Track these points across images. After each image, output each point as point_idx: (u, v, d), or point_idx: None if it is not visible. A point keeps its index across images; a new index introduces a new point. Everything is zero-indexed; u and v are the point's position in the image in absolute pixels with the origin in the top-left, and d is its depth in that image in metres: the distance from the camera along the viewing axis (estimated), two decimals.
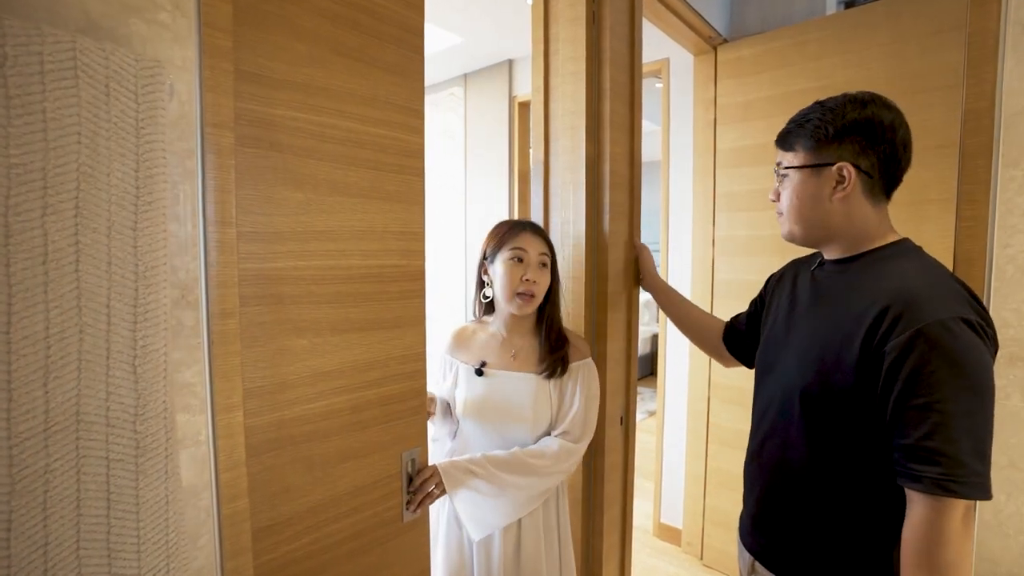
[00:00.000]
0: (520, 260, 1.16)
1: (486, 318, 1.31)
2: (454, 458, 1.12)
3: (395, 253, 0.96)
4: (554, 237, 1.47)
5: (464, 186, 3.48)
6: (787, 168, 0.92)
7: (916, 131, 1.70)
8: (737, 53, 2.15)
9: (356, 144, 0.90)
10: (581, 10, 1.38)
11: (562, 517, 1.26)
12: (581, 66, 1.39)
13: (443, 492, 1.06)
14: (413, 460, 1.00)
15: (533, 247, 1.17)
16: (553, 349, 1.20)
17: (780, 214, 0.96)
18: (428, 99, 3.70)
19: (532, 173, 1.55)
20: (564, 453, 1.16)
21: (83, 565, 0.55)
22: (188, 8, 0.69)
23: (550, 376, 1.19)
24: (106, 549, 0.56)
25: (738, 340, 1.22)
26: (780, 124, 2.09)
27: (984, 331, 0.77)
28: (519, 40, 2.92)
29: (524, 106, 3.19)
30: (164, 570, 0.60)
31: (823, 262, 0.98)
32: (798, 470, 0.91)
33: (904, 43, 1.73)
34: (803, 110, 0.93)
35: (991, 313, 0.99)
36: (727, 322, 1.26)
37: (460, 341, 1.30)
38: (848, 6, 2.02)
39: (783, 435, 0.93)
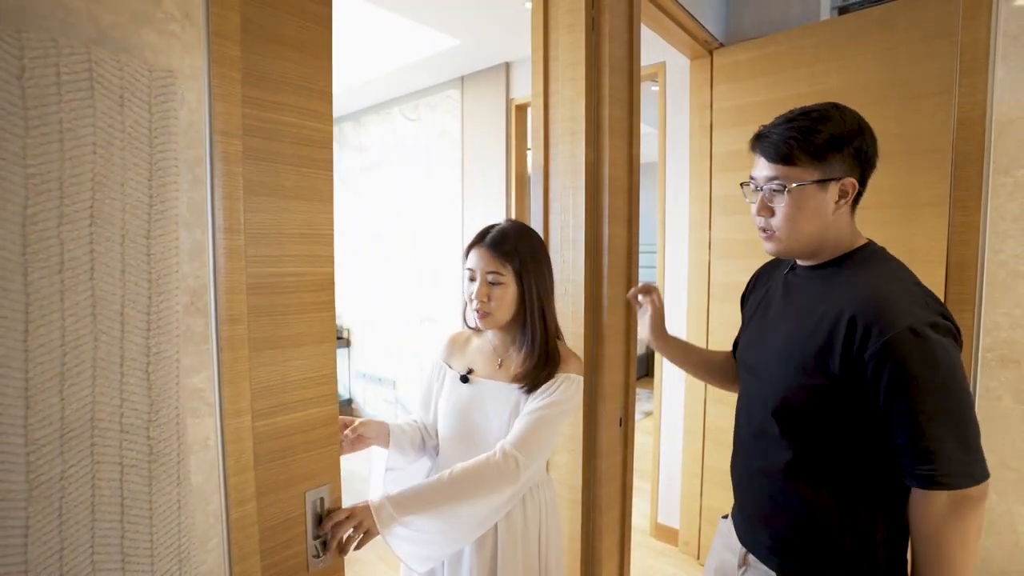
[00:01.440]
0: (472, 279, 1.13)
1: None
2: (390, 491, 1.00)
3: (294, 259, 0.84)
4: (554, 240, 1.49)
5: (461, 188, 3.49)
6: (796, 185, 0.87)
7: (908, 136, 1.74)
8: (733, 58, 2.18)
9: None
10: (580, 17, 1.40)
11: (545, 515, 1.18)
12: (580, 72, 1.40)
13: (369, 535, 0.92)
14: (321, 500, 0.87)
15: (481, 265, 1.11)
16: (536, 365, 1.11)
17: (768, 231, 0.93)
18: (425, 101, 3.71)
19: (532, 177, 1.57)
20: (502, 462, 1.02)
21: (97, 570, 0.56)
22: (197, 18, 0.70)
23: (530, 391, 1.10)
24: (120, 554, 0.57)
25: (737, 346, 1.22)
26: None
27: (948, 329, 0.82)
28: (516, 43, 2.93)
29: (521, 109, 3.20)
30: (176, 574, 0.61)
31: (795, 267, 1.01)
32: (784, 468, 0.94)
33: (897, 50, 1.76)
34: (790, 122, 0.90)
35: (983, 317, 1.01)
36: (733, 351, 1.24)
37: (454, 346, 1.27)
38: (842, 12, 2.05)
39: (770, 435, 0.96)
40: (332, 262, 0.90)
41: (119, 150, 0.56)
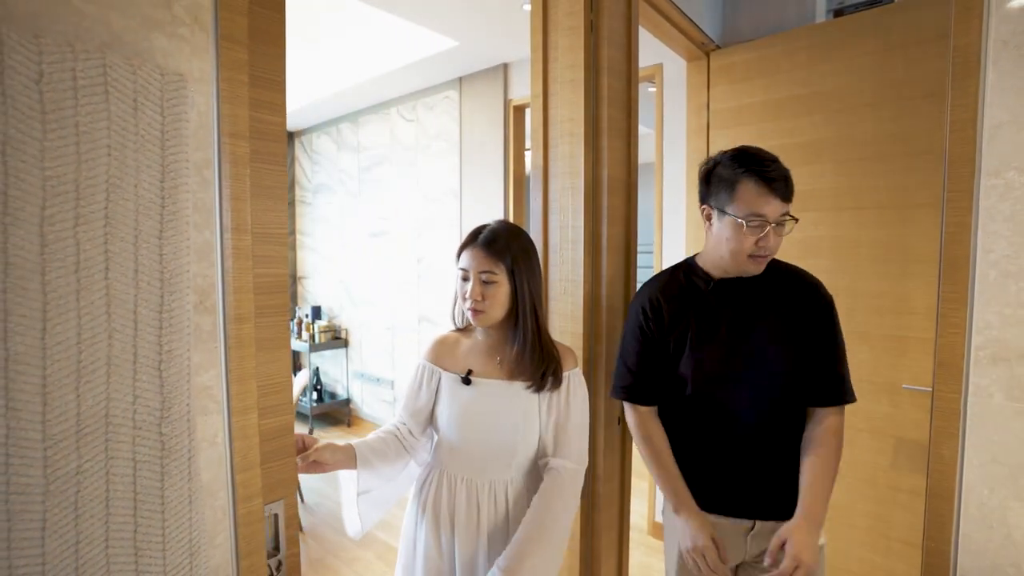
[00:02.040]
0: (465, 279, 1.14)
1: (468, 327, 1.25)
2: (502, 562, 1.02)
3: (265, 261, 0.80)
4: (553, 240, 1.50)
5: (459, 189, 3.50)
6: (790, 218, 1.10)
7: (903, 137, 1.76)
8: (729, 59, 2.20)
9: None
10: (579, 19, 1.41)
11: (515, 513, 1.18)
12: (579, 74, 1.42)
13: None
14: (276, 516, 0.84)
15: (474, 265, 1.13)
16: (532, 360, 1.14)
17: (767, 257, 1.13)
18: (423, 102, 3.72)
19: (531, 178, 1.58)
20: (571, 480, 1.12)
21: (111, 563, 0.57)
22: (206, 22, 0.71)
23: (538, 390, 1.13)
24: (133, 548, 0.58)
25: (653, 388, 1.25)
26: (771, 129, 2.13)
27: None
28: (514, 44, 2.95)
29: (519, 109, 3.22)
30: (187, 567, 0.62)
31: (718, 283, 1.19)
32: (786, 434, 1.16)
33: (891, 52, 1.78)
34: (778, 163, 1.10)
35: (975, 315, 1.04)
36: (651, 402, 1.26)
37: (443, 348, 1.23)
38: (837, 15, 2.07)
39: (775, 414, 1.15)
40: (285, 263, 0.84)
41: (133, 152, 0.57)
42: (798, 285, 1.18)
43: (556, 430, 1.15)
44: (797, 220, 1.10)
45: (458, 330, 1.26)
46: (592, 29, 1.43)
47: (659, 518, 2.72)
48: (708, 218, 1.17)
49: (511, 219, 3.26)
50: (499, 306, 1.13)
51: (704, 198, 1.17)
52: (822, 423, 1.12)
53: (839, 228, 1.91)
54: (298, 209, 5.04)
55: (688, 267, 1.26)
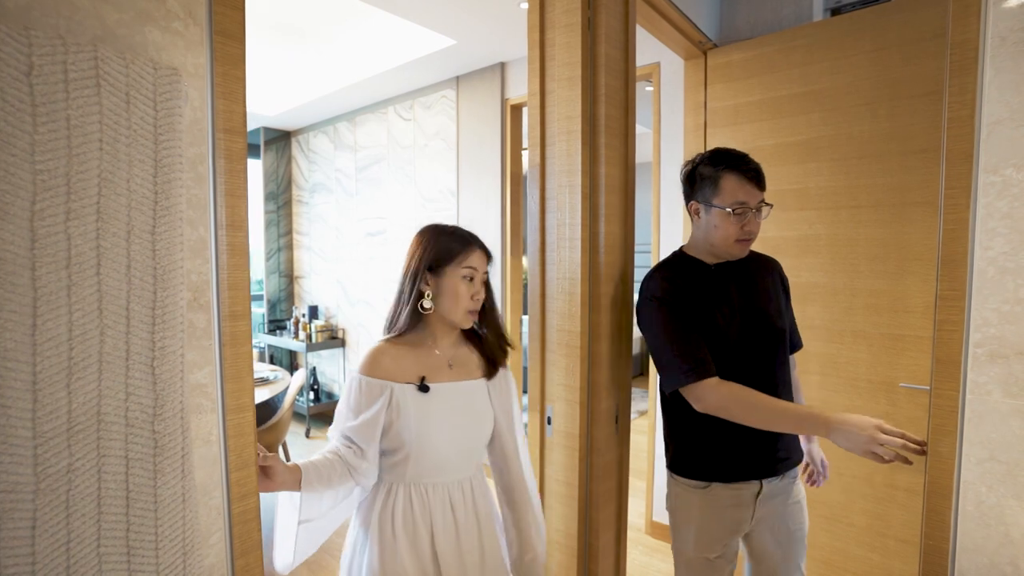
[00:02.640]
0: (471, 279, 1.15)
1: (406, 333, 1.17)
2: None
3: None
4: (550, 239, 1.50)
5: (456, 188, 3.49)
6: (765, 203, 1.29)
7: (901, 135, 1.77)
8: (726, 58, 2.20)
9: None
10: (577, 17, 1.41)
11: (480, 504, 1.21)
12: (577, 72, 1.42)
13: None
14: None
15: (482, 266, 1.17)
16: (496, 349, 1.23)
17: (751, 240, 1.30)
18: (420, 101, 3.71)
19: (528, 176, 1.58)
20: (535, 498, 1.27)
21: (103, 562, 0.56)
22: (200, 16, 0.70)
23: (490, 377, 1.22)
24: (125, 547, 0.58)
25: (709, 358, 1.29)
26: (768, 128, 2.13)
27: None
28: (511, 43, 2.94)
29: (516, 108, 3.21)
30: (181, 566, 0.62)
31: (716, 267, 1.36)
32: (786, 385, 1.39)
33: (888, 50, 1.78)
34: (750, 157, 1.28)
35: (973, 313, 1.04)
36: (713, 370, 1.26)
37: (385, 361, 1.13)
38: (834, 13, 2.07)
39: (780, 368, 1.36)
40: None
41: (125, 147, 0.56)
42: (768, 261, 1.46)
43: (504, 418, 1.23)
44: (771, 205, 1.29)
45: (390, 339, 1.17)
46: (590, 27, 1.43)
47: (657, 518, 2.72)
48: (696, 213, 1.34)
49: (508, 218, 3.26)
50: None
51: (689, 197, 1.35)
52: (795, 367, 1.51)
53: (836, 227, 1.91)
54: (295, 208, 5.03)
55: (681, 257, 1.40)
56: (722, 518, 1.32)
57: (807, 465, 1.49)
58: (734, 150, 1.29)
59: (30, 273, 0.50)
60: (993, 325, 1.00)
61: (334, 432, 1.14)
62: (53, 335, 0.51)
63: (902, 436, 1.04)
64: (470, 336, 1.25)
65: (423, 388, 1.12)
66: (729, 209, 1.24)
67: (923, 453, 1.05)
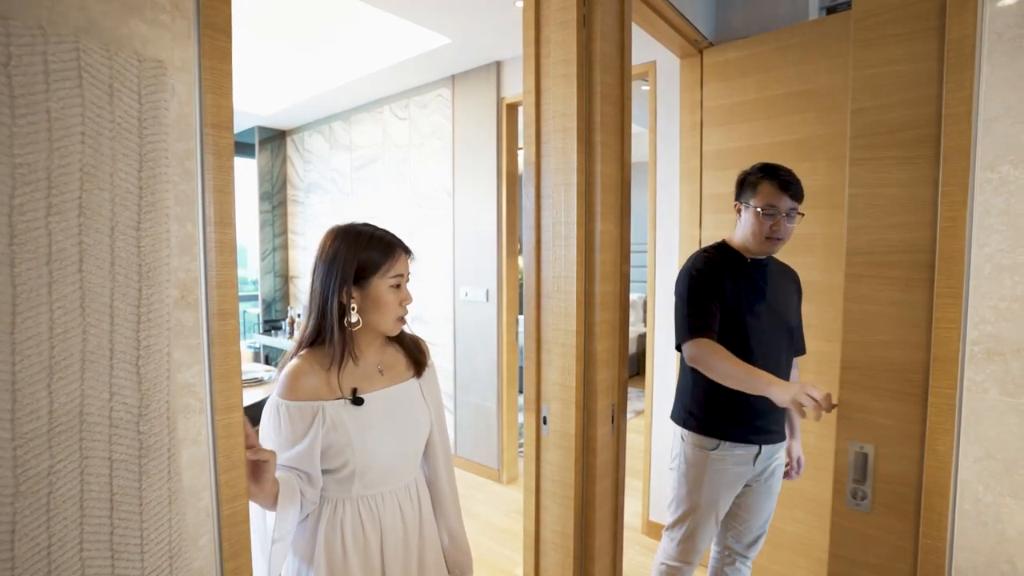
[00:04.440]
0: (399, 286, 1.10)
1: (316, 348, 1.10)
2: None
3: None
4: (546, 237, 1.49)
5: (452, 187, 3.48)
6: (801, 214, 1.56)
7: None
8: (723, 56, 2.19)
9: None
10: (572, 13, 1.40)
11: (424, 502, 1.20)
12: (572, 69, 1.41)
13: None
14: None
15: (407, 269, 1.13)
16: (416, 349, 1.22)
17: (781, 240, 1.54)
18: (416, 100, 3.69)
19: (523, 174, 1.56)
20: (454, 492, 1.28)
21: (86, 566, 0.55)
22: (187, 9, 0.69)
23: (420, 374, 1.20)
24: (109, 550, 0.56)
25: (713, 322, 1.57)
26: (765, 127, 2.13)
27: None
28: (507, 41, 2.93)
29: (512, 107, 3.20)
30: (167, 570, 0.60)
31: (752, 261, 1.61)
32: (789, 371, 1.68)
33: None
34: (791, 172, 1.54)
35: (970, 310, 1.04)
36: (712, 333, 1.54)
37: (307, 380, 1.05)
38: (830, 12, 2.07)
39: (788, 356, 1.66)
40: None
41: (108, 140, 0.55)
42: (791, 271, 1.74)
43: (436, 415, 1.23)
44: (803, 215, 1.55)
45: (306, 355, 1.09)
46: (585, 23, 1.42)
47: (653, 517, 2.71)
48: (738, 211, 1.61)
49: (504, 218, 3.25)
50: None
51: (737, 197, 1.62)
52: (796, 368, 1.75)
53: (832, 226, 1.91)
54: (290, 208, 5.00)
55: (723, 247, 1.65)
56: (726, 473, 1.61)
57: (787, 463, 1.77)
58: (780, 165, 1.54)
59: (9, 270, 0.48)
60: (990, 323, 1.00)
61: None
62: (33, 333, 0.50)
63: (822, 396, 1.23)
64: (391, 337, 1.19)
65: (357, 401, 1.06)
66: (759, 209, 1.51)
67: (829, 410, 1.21)
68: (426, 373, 1.23)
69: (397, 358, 1.19)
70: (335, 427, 1.04)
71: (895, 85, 1.06)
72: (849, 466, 1.10)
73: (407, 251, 1.14)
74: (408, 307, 1.13)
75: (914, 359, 1.08)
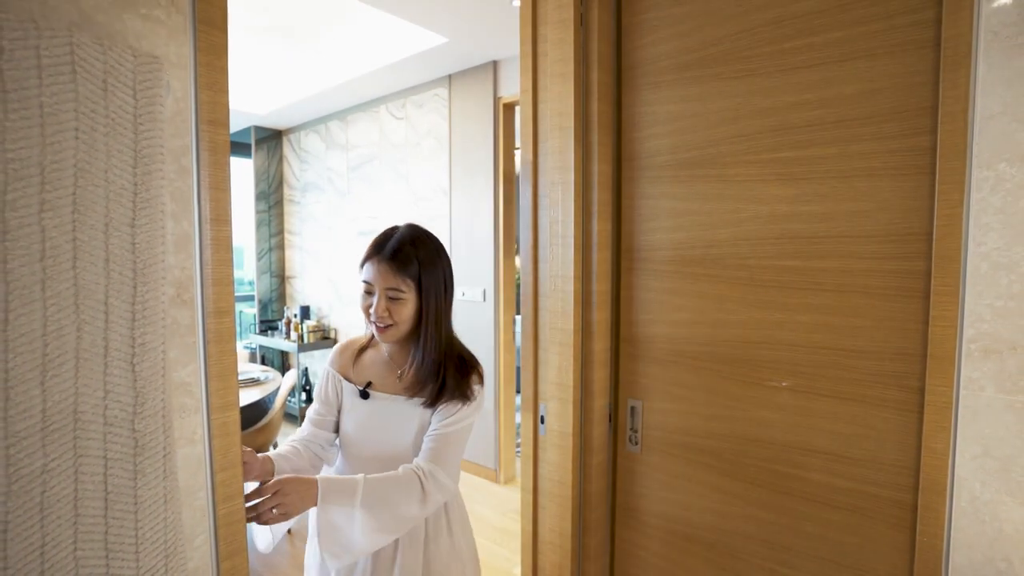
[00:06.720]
0: (369, 292, 1.07)
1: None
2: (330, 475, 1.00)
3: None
4: (543, 236, 1.49)
5: (449, 186, 3.47)
6: None
7: None
8: None
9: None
10: (569, 13, 1.40)
11: (459, 540, 1.17)
12: (570, 68, 1.40)
13: (288, 514, 0.91)
14: None
15: (379, 282, 1.05)
16: (428, 377, 1.09)
17: None
18: (413, 99, 3.69)
19: (520, 173, 1.56)
20: (408, 485, 1.03)
21: (80, 566, 0.54)
22: (183, 4, 0.68)
23: (432, 406, 1.08)
24: (104, 550, 0.56)
25: None
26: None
27: None
28: (504, 41, 2.93)
29: (509, 107, 3.20)
30: (162, 570, 0.60)
31: None
32: None
33: None
34: None
35: (966, 308, 1.04)
36: None
37: (347, 356, 1.17)
38: None
39: None
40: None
41: (103, 136, 0.54)
42: None
43: (437, 440, 1.08)
44: None
45: (363, 335, 1.18)
46: (582, 22, 1.42)
47: None
48: None
49: (501, 217, 3.24)
50: (406, 322, 1.07)
51: None
52: None
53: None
54: (286, 208, 4.99)
55: None
56: None
57: None
58: None
59: (2, 266, 0.48)
60: (987, 321, 1.00)
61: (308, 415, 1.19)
62: (26, 331, 0.49)
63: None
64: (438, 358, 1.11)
65: (364, 394, 1.12)
66: None
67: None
68: (443, 408, 1.09)
69: (416, 376, 1.10)
70: (344, 406, 1.15)
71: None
72: None
73: (388, 259, 1.05)
74: (380, 319, 1.05)
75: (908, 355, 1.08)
